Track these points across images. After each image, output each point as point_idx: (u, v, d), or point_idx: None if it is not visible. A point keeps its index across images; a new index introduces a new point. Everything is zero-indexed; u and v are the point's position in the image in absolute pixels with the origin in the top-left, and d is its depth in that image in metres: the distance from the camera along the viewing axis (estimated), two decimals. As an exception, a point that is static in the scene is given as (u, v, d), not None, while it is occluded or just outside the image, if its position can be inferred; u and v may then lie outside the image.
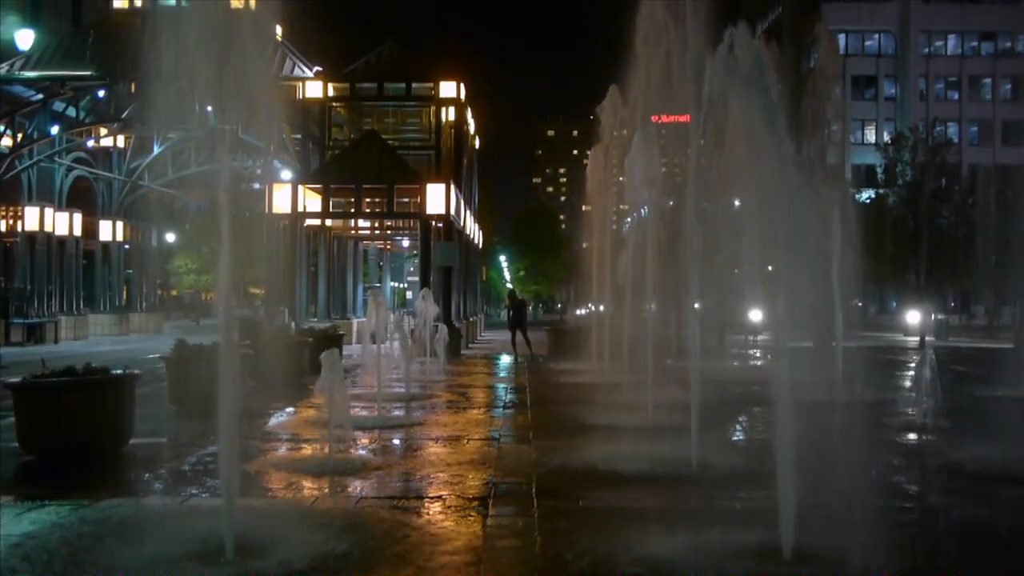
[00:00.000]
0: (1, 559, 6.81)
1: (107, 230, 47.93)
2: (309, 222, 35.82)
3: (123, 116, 38.91)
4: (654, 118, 17.16)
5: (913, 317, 45.39)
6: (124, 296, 52.77)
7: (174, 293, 78.49)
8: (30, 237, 41.10)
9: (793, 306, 7.37)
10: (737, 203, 9.66)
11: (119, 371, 11.94)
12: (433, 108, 39.08)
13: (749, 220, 7.92)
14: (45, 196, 43.34)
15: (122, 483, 9.68)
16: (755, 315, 27.97)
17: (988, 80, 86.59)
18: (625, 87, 17.63)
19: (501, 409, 16.17)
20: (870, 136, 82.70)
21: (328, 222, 36.84)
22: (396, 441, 12.78)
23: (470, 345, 37.28)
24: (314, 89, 38.55)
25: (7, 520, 7.93)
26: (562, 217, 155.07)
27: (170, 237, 62.34)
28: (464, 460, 11.01)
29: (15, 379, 11.52)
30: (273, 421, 14.51)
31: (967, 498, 9.41)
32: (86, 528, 7.75)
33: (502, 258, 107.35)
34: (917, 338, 39.80)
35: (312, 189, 34.74)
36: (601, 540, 7.25)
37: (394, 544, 7.20)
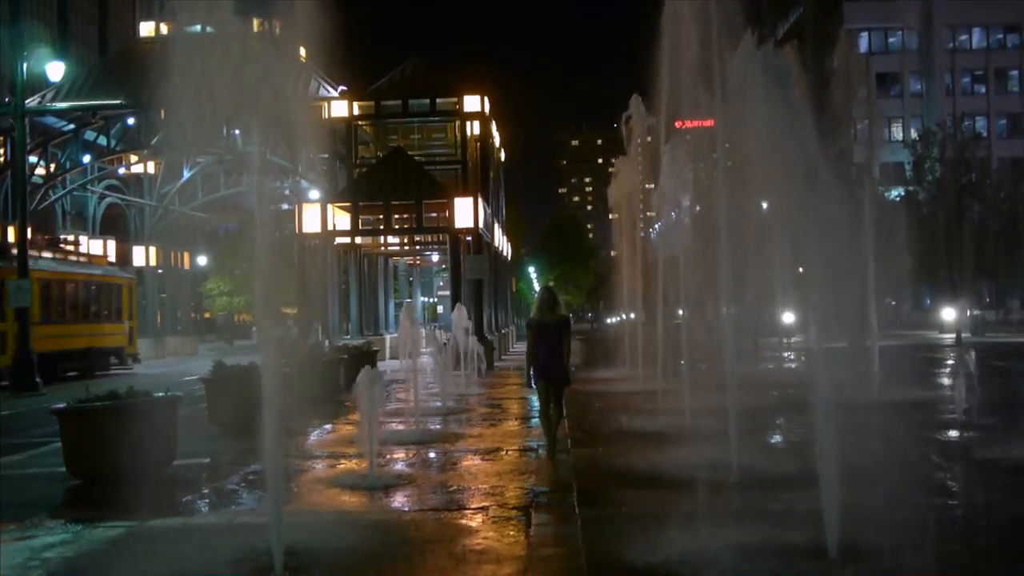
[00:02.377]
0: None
1: (140, 255, 48.55)
2: (339, 240, 36.07)
3: (153, 142, 39.44)
4: (678, 124, 17.19)
5: (948, 314, 44.97)
6: (159, 320, 53.37)
7: (207, 315, 79.18)
8: (66, 265, 41.65)
9: (826, 308, 7.38)
10: (765, 205, 9.69)
11: (160, 394, 12.11)
12: (458, 123, 39.27)
13: (779, 222, 7.95)
14: (79, 224, 44.09)
15: (169, 503, 9.79)
16: (788, 318, 27.88)
17: (1015, 72, 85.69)
18: (648, 93, 17.66)
19: (537, 420, 16.19)
20: (897, 133, 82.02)
21: (358, 240, 37.08)
22: (435, 455, 12.84)
23: (502, 357, 37.33)
24: (339, 108, 38.86)
25: (60, 542, 8.08)
26: (589, 226, 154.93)
27: (202, 260, 62.99)
28: (504, 471, 11.06)
29: (60, 405, 11.71)
30: (313, 439, 14.64)
31: (1011, 493, 9.33)
32: (136, 548, 7.87)
33: (531, 270, 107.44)
34: (952, 335, 39.41)
35: (341, 207, 34.98)
36: (644, 546, 7.27)
37: (442, 556, 7.26)
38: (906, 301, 69.25)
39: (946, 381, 22.20)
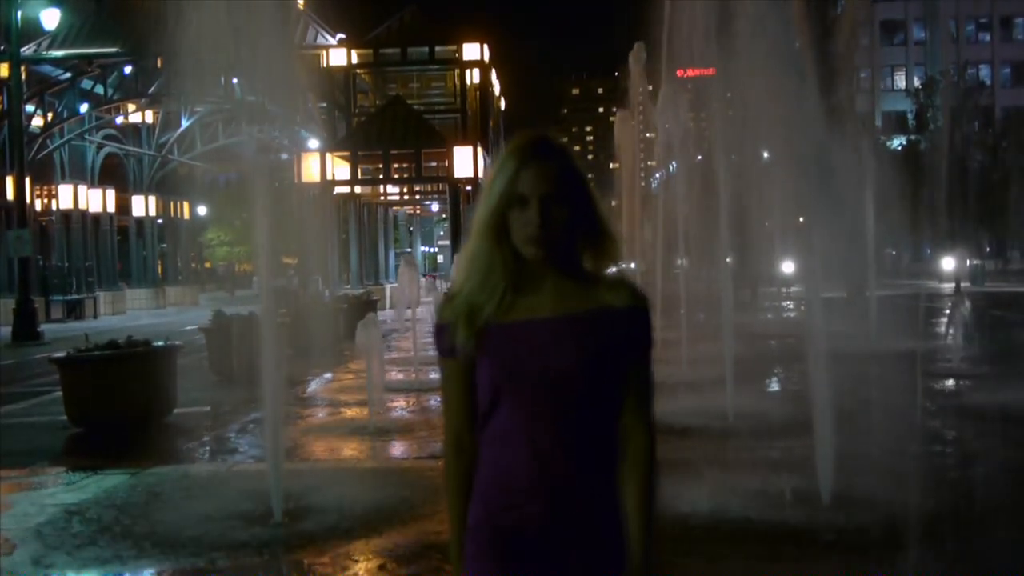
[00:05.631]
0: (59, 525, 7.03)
1: (139, 205, 48.38)
2: (339, 190, 35.94)
3: (150, 91, 39.13)
4: (680, 73, 17.05)
5: (948, 263, 44.89)
6: (159, 270, 53.36)
7: (207, 265, 79.04)
8: (65, 215, 41.61)
9: (826, 257, 7.39)
10: (766, 155, 9.64)
11: (160, 343, 12.16)
12: (457, 71, 38.96)
13: (780, 171, 7.92)
14: (77, 174, 43.75)
15: (169, 451, 9.88)
16: (788, 267, 27.84)
17: (1020, 20, 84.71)
18: (649, 40, 17.49)
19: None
20: (900, 82, 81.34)
21: (358, 189, 36.94)
22: (434, 402, 12.91)
23: (503, 307, 37.36)
24: (338, 57, 38.52)
25: (63, 489, 8.17)
26: (590, 176, 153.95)
27: (202, 210, 62.79)
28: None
29: (60, 354, 11.77)
30: (312, 387, 14.74)
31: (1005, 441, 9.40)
32: (136, 495, 7.95)
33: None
34: (952, 284, 39.39)
35: (340, 157, 34.81)
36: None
37: (437, 503, 7.32)
38: (906, 250, 69.20)
39: (942, 330, 22.18)
